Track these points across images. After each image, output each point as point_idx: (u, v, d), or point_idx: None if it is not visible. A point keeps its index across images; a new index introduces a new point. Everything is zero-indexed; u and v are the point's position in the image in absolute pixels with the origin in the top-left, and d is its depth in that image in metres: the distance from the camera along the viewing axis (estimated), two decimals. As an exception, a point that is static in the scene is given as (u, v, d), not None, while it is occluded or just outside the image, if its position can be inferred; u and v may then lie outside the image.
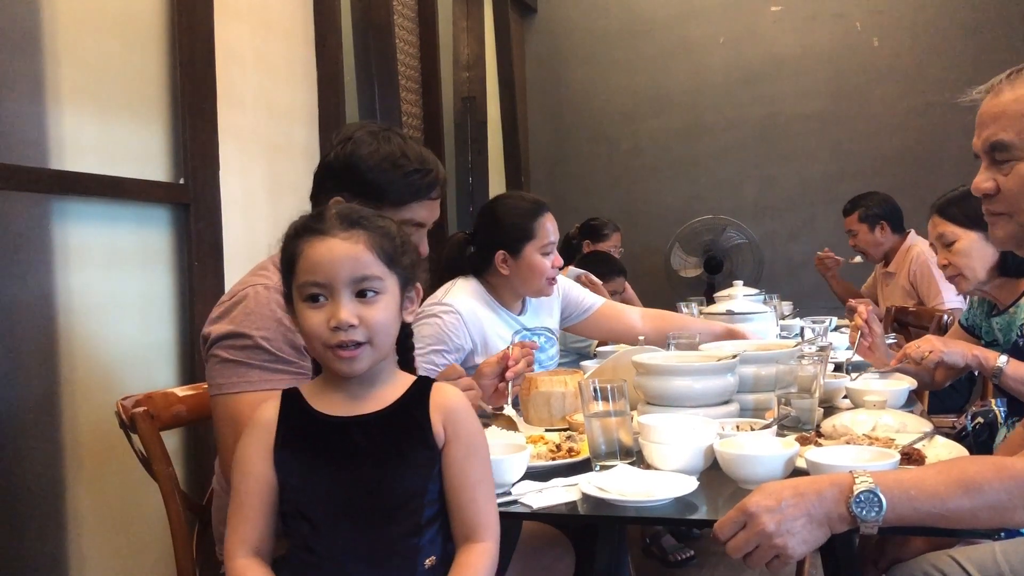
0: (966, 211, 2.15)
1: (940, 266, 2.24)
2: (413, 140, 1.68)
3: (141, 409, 1.52)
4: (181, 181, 2.18)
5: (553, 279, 2.26)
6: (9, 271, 1.75)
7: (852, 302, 3.77)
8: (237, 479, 1.18)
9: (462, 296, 2.16)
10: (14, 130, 1.77)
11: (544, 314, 2.40)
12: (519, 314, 2.31)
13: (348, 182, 1.60)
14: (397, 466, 1.16)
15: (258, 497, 1.17)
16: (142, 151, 2.11)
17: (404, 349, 1.35)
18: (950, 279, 2.23)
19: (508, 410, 1.76)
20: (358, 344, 1.14)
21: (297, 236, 1.18)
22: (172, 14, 2.18)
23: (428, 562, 1.17)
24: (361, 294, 1.15)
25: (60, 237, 1.86)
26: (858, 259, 4.02)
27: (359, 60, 3.39)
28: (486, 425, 1.72)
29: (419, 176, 1.62)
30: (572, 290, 2.53)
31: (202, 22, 2.25)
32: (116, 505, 1.95)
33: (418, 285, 1.26)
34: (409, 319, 1.25)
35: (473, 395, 1.57)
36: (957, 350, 1.95)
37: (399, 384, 1.22)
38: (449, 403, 1.21)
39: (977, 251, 2.14)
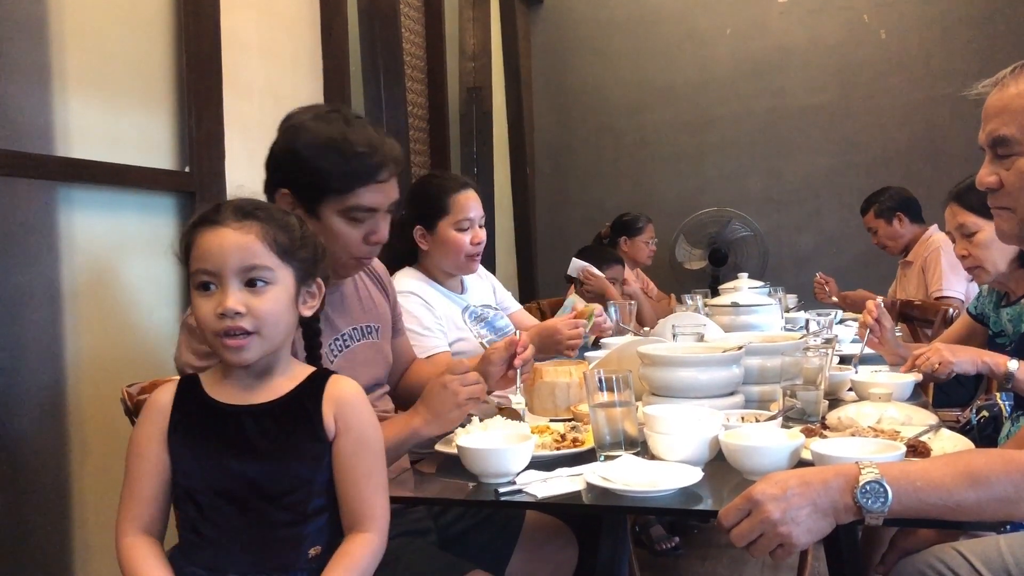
0: (984, 199, 2.12)
1: (959, 256, 2.20)
2: (362, 120, 1.60)
3: (146, 396, 1.52)
4: (187, 169, 2.18)
5: (473, 255, 2.28)
6: (15, 258, 1.75)
7: (819, 285, 3.76)
8: (131, 460, 1.22)
9: (411, 282, 2.20)
10: (20, 117, 1.77)
11: (482, 292, 2.47)
12: (461, 293, 2.37)
13: (291, 173, 1.54)
14: (285, 456, 1.19)
15: (150, 478, 1.20)
16: (148, 139, 2.11)
17: (311, 344, 1.36)
18: (969, 270, 2.20)
19: (515, 402, 1.75)
20: (246, 333, 1.17)
21: (194, 226, 1.22)
22: (179, 2, 2.17)
23: (313, 551, 1.20)
24: (251, 283, 1.18)
25: (66, 224, 1.86)
26: (834, 299, 4.01)
27: (365, 50, 3.38)
28: (493, 413, 1.72)
29: (362, 159, 1.54)
30: (499, 287, 2.60)
31: (208, 10, 2.24)
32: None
33: (319, 280, 1.28)
34: (307, 313, 1.27)
35: (478, 389, 1.53)
36: (966, 359, 1.93)
37: (295, 375, 1.25)
38: (342, 395, 1.23)
39: (999, 242, 2.11)
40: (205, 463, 1.19)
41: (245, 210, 1.21)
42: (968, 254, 2.17)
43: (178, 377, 1.28)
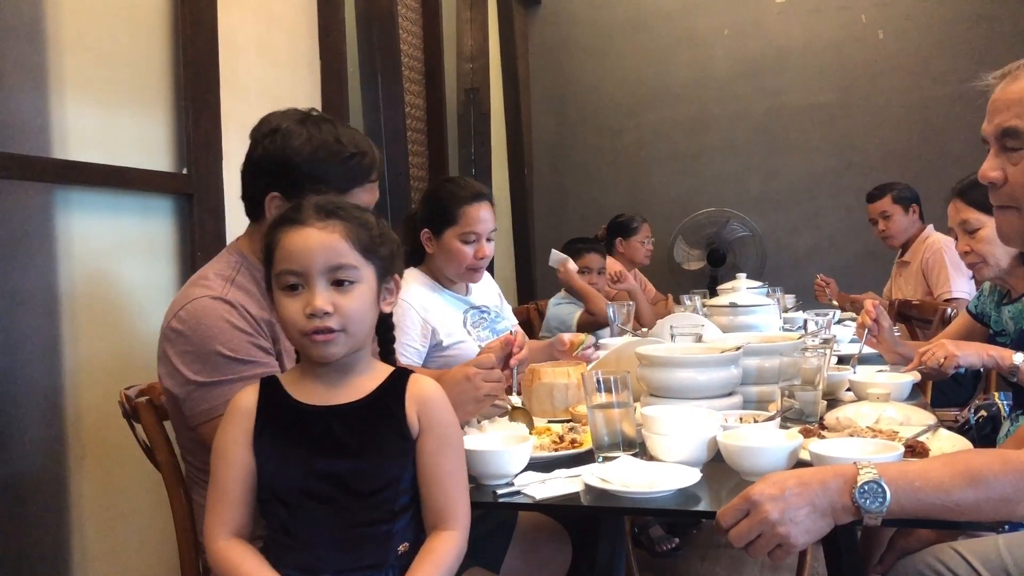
0: (987, 195, 2.11)
1: (961, 252, 2.18)
2: (341, 123, 1.62)
3: (144, 399, 1.53)
4: (184, 171, 2.18)
5: (475, 268, 2.28)
6: (12, 261, 1.75)
7: (819, 286, 3.75)
8: (216, 464, 1.21)
9: (411, 287, 2.20)
10: (17, 119, 1.77)
11: (487, 292, 2.48)
12: (466, 294, 2.37)
13: (283, 177, 1.53)
14: (372, 455, 1.19)
15: (237, 482, 1.19)
16: (145, 141, 2.10)
17: (384, 341, 1.37)
18: (971, 266, 2.19)
19: (514, 402, 1.75)
20: (332, 331, 1.17)
21: (275, 227, 1.22)
22: (176, 4, 2.17)
23: (401, 548, 1.20)
24: (337, 283, 1.18)
25: (63, 227, 1.86)
26: (834, 301, 4.00)
27: (362, 51, 3.38)
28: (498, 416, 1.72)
29: (357, 160, 1.56)
30: (504, 301, 2.60)
31: (206, 12, 2.24)
32: (119, 494, 1.95)
33: (396, 276, 1.28)
34: (387, 310, 1.28)
35: (499, 387, 1.56)
36: (971, 352, 1.92)
37: (376, 375, 1.25)
38: (424, 394, 1.24)
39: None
40: (293, 464, 1.18)
41: (327, 209, 1.21)
42: (970, 250, 2.16)
43: (258, 381, 1.26)
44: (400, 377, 1.25)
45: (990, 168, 1.27)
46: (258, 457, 1.19)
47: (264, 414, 1.21)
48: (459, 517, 1.21)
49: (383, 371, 1.27)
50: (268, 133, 1.56)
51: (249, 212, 1.62)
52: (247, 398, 1.23)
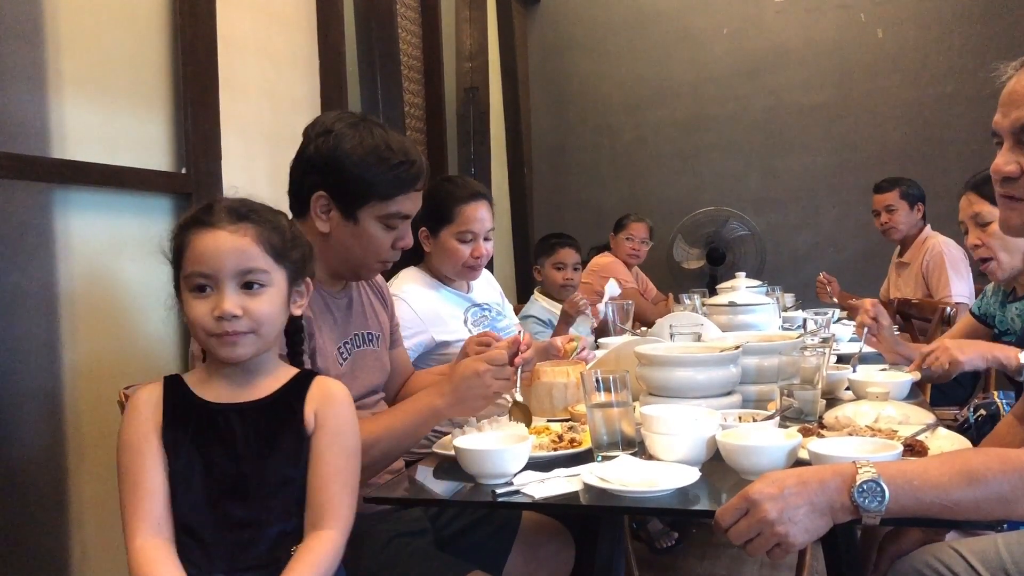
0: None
1: (971, 246, 2.15)
2: (392, 130, 1.65)
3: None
4: (183, 171, 2.17)
5: (472, 267, 2.29)
6: (11, 260, 1.75)
7: (821, 285, 3.74)
8: (129, 459, 1.20)
9: (407, 284, 2.21)
10: (16, 119, 1.77)
11: (488, 290, 2.48)
12: (467, 292, 2.37)
13: (331, 177, 1.58)
14: (270, 453, 1.20)
15: (151, 475, 1.19)
16: (144, 140, 2.10)
17: (292, 343, 1.37)
18: (980, 261, 2.14)
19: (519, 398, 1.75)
20: (241, 333, 1.18)
21: (185, 228, 1.22)
22: (174, 3, 2.17)
23: (294, 549, 1.20)
24: (247, 286, 1.19)
25: (62, 226, 1.86)
26: (834, 299, 3.98)
27: (361, 50, 3.38)
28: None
29: (405, 168, 1.60)
30: (505, 300, 2.60)
31: (204, 11, 2.24)
32: (118, 495, 1.95)
33: (308, 280, 1.29)
34: (297, 312, 1.29)
35: (508, 385, 1.57)
36: (975, 355, 1.90)
37: (281, 376, 1.27)
38: (326, 394, 1.25)
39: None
40: (195, 460, 1.19)
41: (239, 212, 1.22)
42: (981, 243, 2.12)
43: (161, 379, 1.27)
44: (304, 378, 1.27)
45: (1005, 162, 1.23)
46: (167, 451, 1.20)
47: (169, 410, 1.22)
48: (339, 517, 1.21)
49: (288, 372, 1.28)
50: (321, 133, 1.59)
51: (293, 207, 1.65)
52: (151, 393, 1.23)
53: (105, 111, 1.99)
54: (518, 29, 5.24)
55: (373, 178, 1.58)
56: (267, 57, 2.61)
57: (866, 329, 2.19)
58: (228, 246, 1.18)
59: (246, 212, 1.22)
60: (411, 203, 1.64)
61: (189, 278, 1.20)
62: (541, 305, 3.42)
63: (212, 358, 1.24)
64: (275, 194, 2.62)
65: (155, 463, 1.19)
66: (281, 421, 1.22)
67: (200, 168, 2.20)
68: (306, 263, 1.29)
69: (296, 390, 1.25)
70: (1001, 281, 2.19)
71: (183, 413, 1.22)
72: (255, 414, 1.22)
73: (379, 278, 1.90)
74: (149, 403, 1.23)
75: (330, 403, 1.24)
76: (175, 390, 1.24)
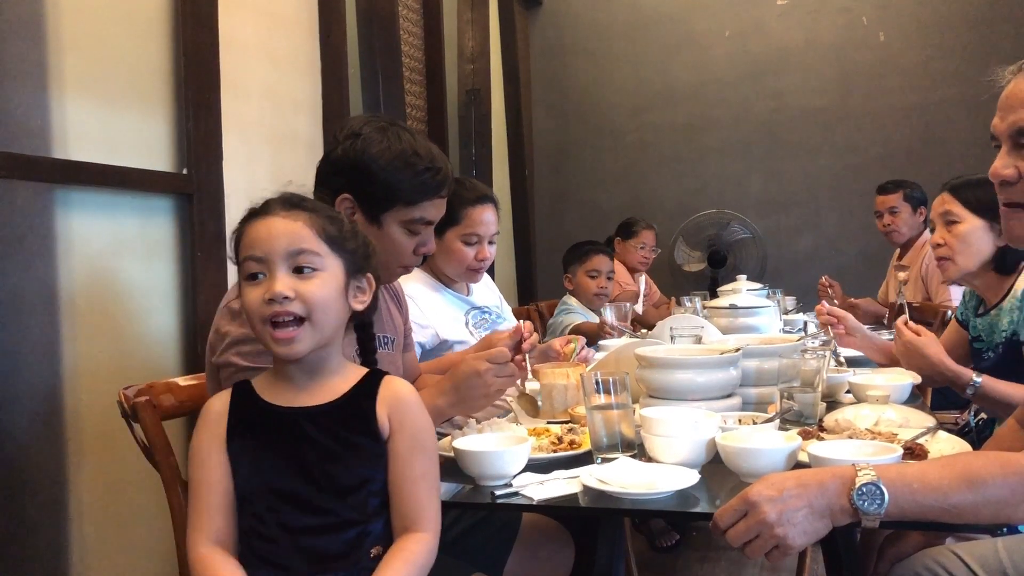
0: (979, 197, 2.07)
1: (934, 244, 2.15)
2: (420, 135, 1.66)
3: (143, 399, 1.53)
4: (184, 171, 2.18)
5: (475, 270, 2.30)
6: (12, 260, 1.75)
7: (823, 288, 3.70)
8: (194, 471, 1.19)
9: (411, 283, 2.20)
10: (18, 119, 1.77)
11: (487, 293, 2.49)
12: (467, 294, 2.38)
13: (357, 180, 1.59)
14: (343, 456, 1.18)
15: (215, 486, 1.18)
16: (145, 141, 2.10)
17: (363, 340, 1.35)
18: (939, 260, 2.14)
19: (530, 388, 1.74)
20: (296, 321, 1.15)
21: (242, 222, 1.22)
22: (176, 3, 2.17)
23: (374, 551, 1.19)
24: (299, 270, 1.17)
25: (63, 227, 1.86)
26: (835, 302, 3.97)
27: (363, 51, 3.38)
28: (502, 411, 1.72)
29: (431, 175, 1.61)
30: (504, 303, 2.60)
31: (206, 12, 2.24)
32: (118, 494, 1.95)
33: (369, 276, 1.26)
34: (357, 307, 1.25)
35: (510, 383, 1.57)
36: (922, 368, 1.92)
37: (349, 376, 1.24)
38: (396, 395, 1.22)
39: (976, 240, 2.07)
40: (266, 465, 1.17)
41: (292, 201, 1.21)
42: (944, 243, 2.11)
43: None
44: (373, 378, 1.24)
45: (1003, 166, 1.22)
46: (232, 460, 1.19)
47: (235, 417, 1.20)
48: (430, 520, 1.20)
49: (356, 373, 1.25)
50: (349, 135, 1.60)
51: None
52: (219, 402, 1.22)
53: (106, 112, 1.99)
54: (520, 31, 5.25)
55: (399, 183, 1.59)
56: (269, 58, 2.62)
57: (829, 328, 2.21)
58: (280, 229, 1.17)
59: (299, 201, 1.22)
60: (435, 209, 1.65)
61: (243, 265, 1.19)
62: (576, 304, 3.44)
63: (275, 360, 1.22)
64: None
65: (219, 475, 1.18)
66: (352, 423, 1.20)
67: (201, 169, 2.20)
68: (368, 258, 1.26)
69: (365, 391, 1.22)
70: (952, 280, 2.19)
71: (250, 419, 1.20)
72: (326, 416, 1.19)
73: (396, 282, 1.91)
74: (214, 413, 1.21)
75: (403, 406, 1.22)
76: (243, 397, 1.22)
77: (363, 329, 1.35)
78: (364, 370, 1.27)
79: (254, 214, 1.21)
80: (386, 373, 1.27)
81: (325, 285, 1.18)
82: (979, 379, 1.85)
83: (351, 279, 1.23)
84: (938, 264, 2.16)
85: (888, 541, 1.64)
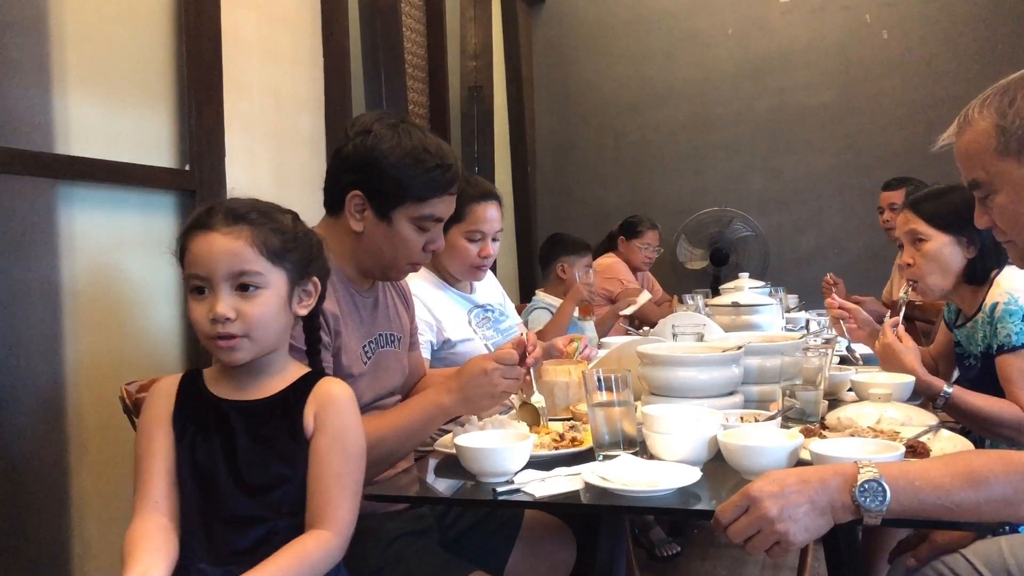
0: (940, 210, 2.05)
1: (904, 264, 2.12)
2: (430, 133, 1.66)
3: (145, 394, 1.52)
4: (187, 168, 2.18)
5: (479, 267, 2.30)
6: (14, 256, 1.75)
7: (827, 285, 3.67)
8: (141, 443, 1.24)
9: (415, 281, 2.19)
10: (20, 115, 1.77)
11: (490, 291, 2.48)
12: (470, 292, 2.38)
13: (368, 177, 1.59)
14: (262, 453, 1.21)
15: (160, 459, 1.23)
16: (148, 137, 2.10)
17: (310, 342, 1.38)
18: (910, 280, 2.12)
19: (535, 400, 1.75)
20: (235, 336, 1.19)
21: (187, 231, 1.24)
22: (179, 0, 2.17)
23: None
24: (241, 288, 1.20)
25: (65, 222, 1.86)
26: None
27: (366, 48, 3.38)
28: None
29: (441, 172, 1.61)
30: (507, 300, 2.60)
31: (209, 9, 2.24)
32: (119, 489, 1.95)
33: (315, 279, 1.29)
34: (302, 312, 1.29)
35: (516, 385, 1.57)
36: (896, 370, 1.93)
37: (289, 375, 1.28)
38: (327, 395, 1.25)
39: (945, 256, 2.03)
40: (197, 452, 1.22)
41: (236, 213, 1.22)
42: (913, 262, 2.09)
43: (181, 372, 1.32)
44: (309, 379, 1.28)
45: (978, 216, 1.33)
46: (174, 440, 1.23)
47: (181, 401, 1.25)
48: (336, 520, 1.20)
49: (297, 372, 1.29)
50: (360, 132, 1.60)
51: (327, 204, 1.67)
52: (168, 384, 1.28)
53: (109, 107, 1.99)
54: (523, 29, 5.24)
55: (409, 180, 1.59)
56: (271, 55, 2.61)
57: (841, 322, 2.20)
58: (221, 248, 1.20)
59: (243, 213, 1.23)
60: (445, 206, 1.66)
61: (188, 280, 1.23)
62: (546, 300, 3.45)
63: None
64: (279, 191, 2.64)
65: (162, 447, 1.23)
66: (279, 421, 1.23)
67: (204, 165, 2.20)
68: (311, 262, 1.29)
69: (298, 391, 1.26)
70: (932, 299, 2.18)
71: (193, 405, 1.25)
72: (255, 413, 1.23)
73: (404, 282, 1.91)
74: (165, 392, 1.27)
75: (331, 405, 1.24)
76: (191, 383, 1.27)
77: (308, 326, 1.37)
78: (304, 370, 1.30)
79: (197, 226, 1.22)
80: (324, 374, 1.31)
81: (267, 303, 1.21)
82: (950, 390, 1.86)
83: (295, 287, 1.26)
84: (912, 286, 2.13)
85: (900, 548, 1.61)
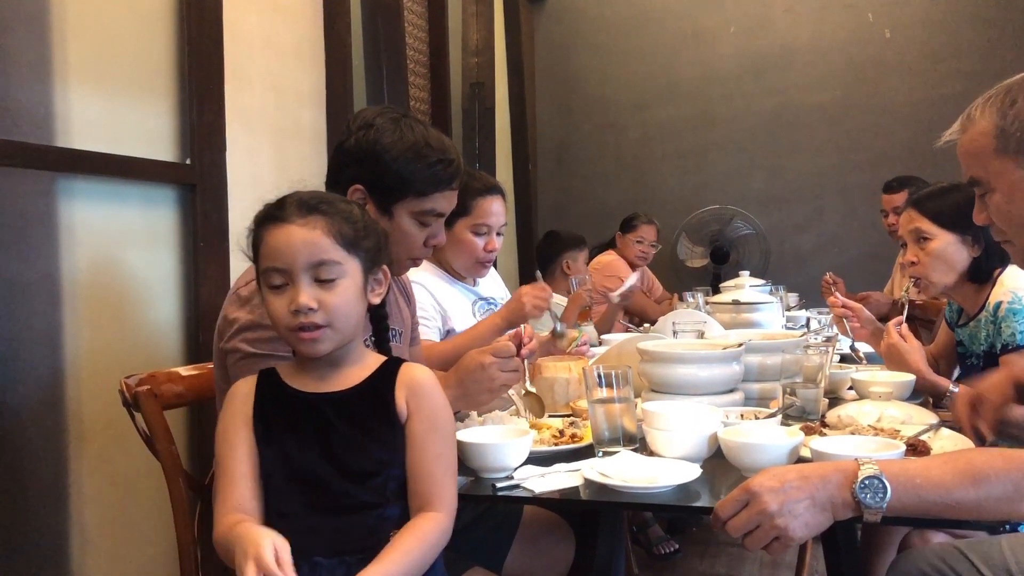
0: (943, 208, 2.05)
1: (908, 262, 2.12)
2: (432, 127, 1.67)
3: (144, 388, 1.53)
4: (188, 161, 2.17)
5: (483, 262, 2.31)
6: (14, 249, 1.75)
7: (826, 284, 3.63)
8: (222, 449, 1.22)
9: (420, 273, 2.22)
10: (21, 108, 1.77)
11: (493, 285, 2.49)
12: (474, 285, 2.39)
13: (369, 171, 1.59)
14: (362, 441, 1.21)
15: (243, 463, 1.21)
16: (149, 131, 2.10)
17: (378, 331, 1.37)
18: (914, 278, 2.12)
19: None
20: (318, 327, 1.19)
21: (259, 225, 1.23)
22: (180, -7, 2.17)
23: (393, 534, 1.20)
24: (320, 278, 1.20)
25: (66, 216, 1.86)
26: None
27: (367, 43, 3.38)
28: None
29: (442, 167, 1.62)
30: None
31: (210, 2, 2.23)
32: (118, 483, 1.96)
33: (385, 267, 1.29)
34: (375, 301, 1.29)
35: (515, 377, 1.57)
36: (901, 370, 1.92)
37: (368, 364, 1.28)
38: (414, 380, 1.25)
39: (950, 255, 2.04)
40: (288, 448, 1.21)
41: (309, 204, 1.22)
42: (917, 260, 2.09)
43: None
44: (391, 365, 1.28)
45: (977, 213, 1.35)
46: (257, 439, 1.22)
47: (260, 399, 1.24)
48: (445, 500, 1.22)
49: (375, 361, 1.29)
50: (362, 126, 1.60)
51: None
52: (245, 385, 1.26)
53: (110, 101, 1.99)
54: (525, 25, 5.23)
55: (410, 174, 1.59)
56: (273, 49, 2.61)
57: (844, 321, 2.20)
58: (300, 239, 1.19)
59: (316, 204, 1.22)
60: (446, 201, 1.66)
61: (265, 274, 1.21)
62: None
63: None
64: (279, 186, 2.61)
65: (243, 452, 1.21)
66: (373, 409, 1.23)
67: (205, 159, 2.20)
68: (381, 251, 1.29)
69: (385, 378, 1.25)
70: (932, 296, 2.19)
71: (274, 403, 1.23)
72: (346, 402, 1.23)
73: (405, 276, 1.91)
74: (241, 394, 1.25)
75: (421, 390, 1.25)
76: (268, 382, 1.26)
77: (376, 316, 1.38)
78: (382, 358, 1.30)
79: (271, 219, 1.22)
80: (404, 360, 1.30)
81: (346, 292, 1.21)
82: (955, 389, 1.85)
83: (369, 275, 1.26)
84: (915, 284, 2.13)
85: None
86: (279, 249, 1.19)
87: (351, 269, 1.22)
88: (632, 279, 3.41)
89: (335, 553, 1.18)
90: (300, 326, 1.18)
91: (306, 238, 1.19)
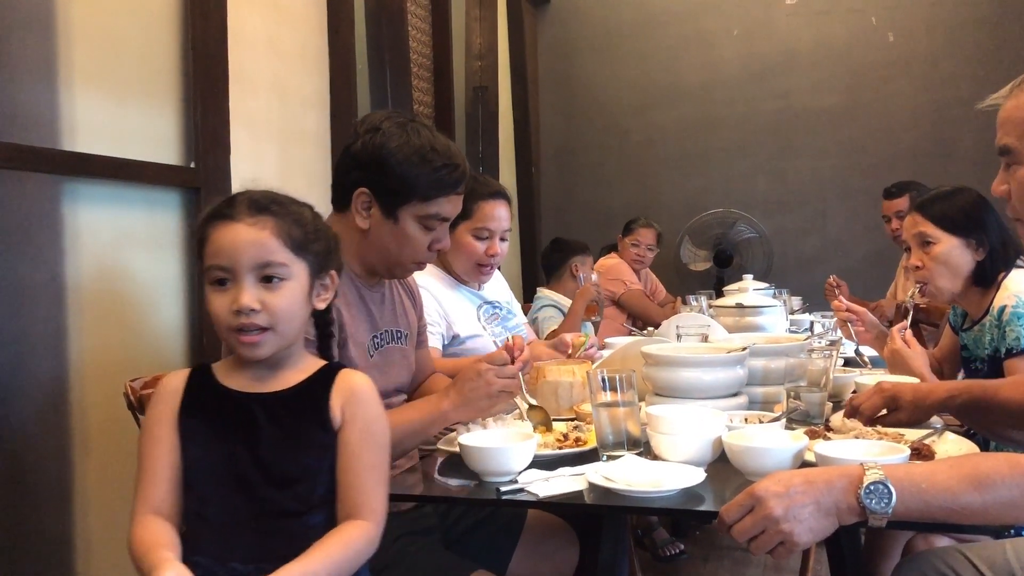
0: (948, 212, 2.05)
1: (913, 266, 2.11)
2: (438, 131, 1.67)
3: (149, 391, 1.53)
4: (192, 165, 2.18)
5: (484, 266, 2.30)
6: (19, 252, 1.75)
7: (830, 288, 3.60)
8: (145, 446, 1.21)
9: (424, 277, 2.20)
10: (26, 111, 1.77)
11: (498, 289, 2.49)
12: (478, 289, 2.39)
13: (375, 174, 1.60)
14: (293, 444, 1.19)
15: (162, 459, 1.19)
16: (153, 134, 2.10)
17: (323, 336, 1.37)
18: (919, 283, 2.10)
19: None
20: (261, 329, 1.17)
21: (207, 221, 1.21)
22: (185, -3, 2.18)
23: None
24: (266, 279, 1.18)
25: (70, 219, 1.86)
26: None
27: (371, 48, 3.38)
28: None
29: (447, 171, 1.62)
30: (514, 300, 2.60)
31: (215, 6, 2.24)
32: (123, 486, 1.95)
33: (333, 272, 1.28)
34: (320, 306, 1.27)
35: (513, 383, 1.56)
36: (904, 376, 1.89)
37: (306, 368, 1.26)
38: (351, 387, 1.24)
39: (955, 259, 2.03)
40: (214, 448, 1.19)
41: (260, 204, 1.21)
42: (922, 264, 2.08)
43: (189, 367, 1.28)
44: (330, 370, 1.26)
45: (998, 183, 1.31)
46: (181, 438, 1.20)
47: (189, 396, 1.22)
48: (373, 510, 1.20)
49: (314, 365, 1.27)
50: (369, 129, 1.61)
51: (335, 201, 1.67)
52: (175, 380, 1.24)
53: (115, 104, 1.99)
54: (528, 29, 5.24)
55: (415, 178, 1.59)
56: (277, 53, 2.62)
57: (849, 325, 2.20)
58: (246, 239, 1.17)
59: (266, 204, 1.21)
60: (451, 206, 1.66)
61: (209, 271, 1.20)
62: (552, 297, 3.50)
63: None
64: (283, 188, 2.62)
65: (166, 450, 1.19)
66: (305, 413, 1.21)
67: (209, 163, 2.20)
68: (330, 256, 1.27)
69: (322, 383, 1.24)
70: (943, 301, 2.17)
71: (204, 400, 1.22)
72: (279, 405, 1.21)
73: (412, 279, 1.90)
74: (169, 389, 1.23)
75: (357, 397, 1.23)
76: (200, 378, 1.24)
77: (321, 321, 1.36)
78: (321, 363, 1.29)
79: (219, 216, 1.20)
80: (344, 366, 1.29)
81: (291, 295, 1.20)
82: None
83: (315, 279, 1.25)
84: (920, 289, 2.12)
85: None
86: (225, 248, 1.17)
87: (297, 272, 1.21)
88: (593, 276, 3.43)
89: (253, 560, 1.16)
90: (241, 327, 1.16)
91: (254, 238, 1.18)
